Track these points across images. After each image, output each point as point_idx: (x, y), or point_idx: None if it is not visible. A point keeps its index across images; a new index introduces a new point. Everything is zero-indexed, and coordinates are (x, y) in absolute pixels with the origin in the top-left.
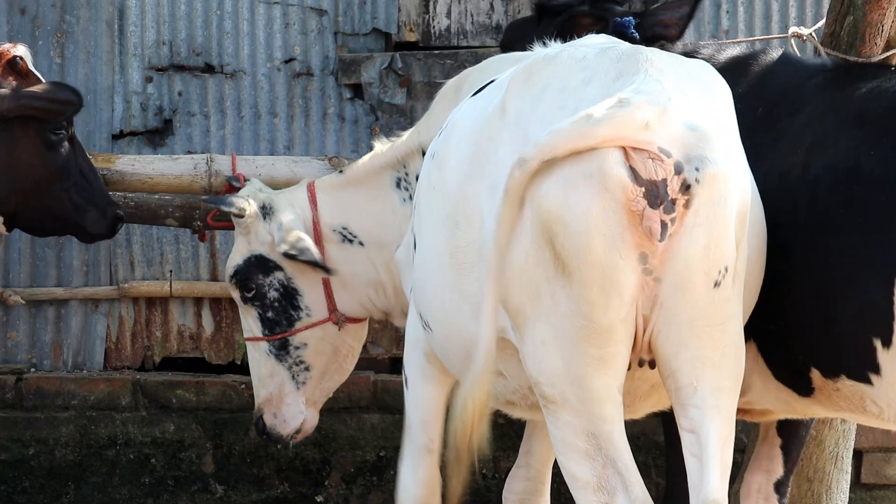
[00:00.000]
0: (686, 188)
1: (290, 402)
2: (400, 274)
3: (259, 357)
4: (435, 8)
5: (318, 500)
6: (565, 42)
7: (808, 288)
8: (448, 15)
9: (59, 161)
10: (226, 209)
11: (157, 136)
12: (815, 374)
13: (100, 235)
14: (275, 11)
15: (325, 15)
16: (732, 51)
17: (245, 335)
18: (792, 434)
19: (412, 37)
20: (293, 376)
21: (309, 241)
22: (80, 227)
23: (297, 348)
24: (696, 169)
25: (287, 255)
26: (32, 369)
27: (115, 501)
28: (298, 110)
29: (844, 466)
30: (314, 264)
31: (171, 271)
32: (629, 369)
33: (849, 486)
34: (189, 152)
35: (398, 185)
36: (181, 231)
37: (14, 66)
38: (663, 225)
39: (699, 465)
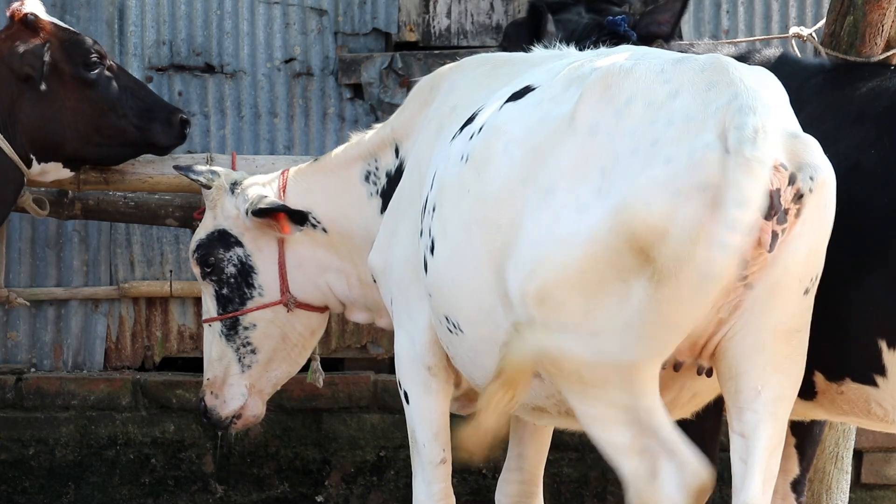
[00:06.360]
0: (799, 197)
1: (232, 383)
2: (377, 280)
3: (212, 339)
4: (435, 8)
5: (318, 500)
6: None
7: None
8: (448, 15)
9: (105, 94)
10: (194, 177)
11: None
12: (819, 378)
13: (173, 145)
14: (275, 11)
15: (325, 15)
16: (727, 51)
17: (203, 317)
18: (806, 433)
19: (412, 37)
20: (240, 358)
21: (271, 197)
22: (151, 143)
23: (246, 328)
24: (811, 178)
25: (255, 213)
26: (32, 369)
27: (115, 501)
28: (298, 110)
29: (844, 466)
30: (284, 211)
31: (171, 271)
32: (683, 375)
33: (849, 486)
34: (189, 152)
35: (367, 178)
36: (181, 231)
37: (28, 23)
38: (774, 235)
39: (744, 469)
